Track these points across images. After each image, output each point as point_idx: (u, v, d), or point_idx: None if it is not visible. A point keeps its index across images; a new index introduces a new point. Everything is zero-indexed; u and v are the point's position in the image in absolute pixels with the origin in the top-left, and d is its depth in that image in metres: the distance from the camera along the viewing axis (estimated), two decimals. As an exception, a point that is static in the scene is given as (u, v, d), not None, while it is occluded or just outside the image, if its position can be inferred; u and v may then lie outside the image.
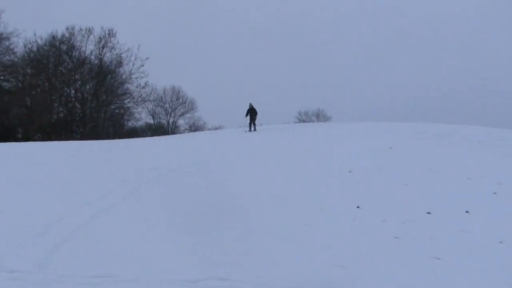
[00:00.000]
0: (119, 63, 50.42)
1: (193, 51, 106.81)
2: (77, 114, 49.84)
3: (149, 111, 64.63)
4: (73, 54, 48.43)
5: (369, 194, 10.26)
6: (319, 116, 76.57)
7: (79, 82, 49.37)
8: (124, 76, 51.29)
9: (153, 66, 63.65)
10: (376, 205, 9.26)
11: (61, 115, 48.64)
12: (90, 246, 6.37)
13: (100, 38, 48.93)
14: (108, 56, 49.93)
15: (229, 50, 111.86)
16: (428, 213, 8.72)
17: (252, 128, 27.61)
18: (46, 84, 46.22)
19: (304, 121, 70.95)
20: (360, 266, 6.06)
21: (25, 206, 8.32)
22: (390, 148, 17.03)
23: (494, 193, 10.44)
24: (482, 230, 7.80)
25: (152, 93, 60.28)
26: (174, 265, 5.85)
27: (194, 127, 67.39)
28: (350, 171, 12.65)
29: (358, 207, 9.10)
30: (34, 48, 45.86)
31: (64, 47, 47.93)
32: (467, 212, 8.83)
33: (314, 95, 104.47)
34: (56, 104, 47.85)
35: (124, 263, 5.83)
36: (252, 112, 27.71)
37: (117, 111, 54.61)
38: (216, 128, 60.76)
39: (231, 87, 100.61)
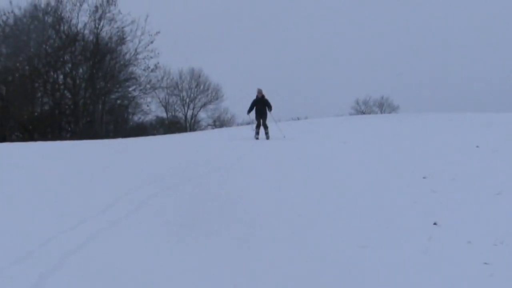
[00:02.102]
0: (121, 40, 51.18)
1: (218, 23, 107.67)
2: (67, 106, 50.69)
3: (160, 102, 65.70)
4: (62, 28, 49.29)
5: (449, 206, 10.25)
6: (383, 106, 76.82)
7: (70, 65, 50.21)
8: (128, 57, 52.13)
9: (165, 43, 63.96)
10: (458, 221, 9.21)
11: (47, 107, 49.56)
12: (84, 277, 6.34)
13: (96, 7, 49.59)
14: (106, 31, 50.73)
15: (266, 22, 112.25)
16: (528, 232, 8.62)
17: (262, 134, 23.05)
18: (27, 67, 47.06)
19: (363, 113, 71.24)
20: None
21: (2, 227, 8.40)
22: (477, 146, 17.05)
23: None
24: None
25: (165, 78, 61.49)
26: None
27: (219, 122, 67.95)
28: (424, 177, 12.74)
29: (435, 223, 9.11)
30: (10, 21, 46.88)
31: (49, 19, 48.76)
32: None
33: (376, 81, 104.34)
34: (39, 94, 48.80)
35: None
36: (261, 105, 23.00)
37: (119, 101, 55.49)
38: (248, 123, 61.20)
39: (269, 70, 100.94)
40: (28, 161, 15.92)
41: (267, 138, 22.61)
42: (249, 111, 23.33)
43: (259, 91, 22.91)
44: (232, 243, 8.10)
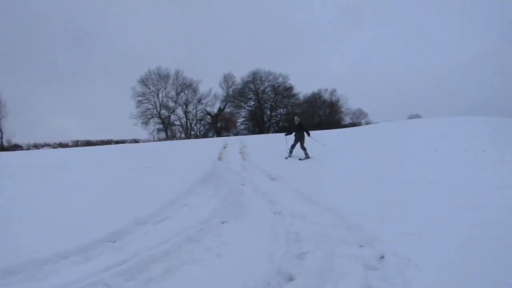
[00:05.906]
0: None
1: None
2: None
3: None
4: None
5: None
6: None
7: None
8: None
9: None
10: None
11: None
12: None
13: None
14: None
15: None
16: None
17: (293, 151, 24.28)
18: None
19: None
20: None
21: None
22: None
23: None
24: None
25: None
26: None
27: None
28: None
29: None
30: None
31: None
32: None
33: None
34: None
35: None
36: (299, 131, 24.21)
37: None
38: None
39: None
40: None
41: (306, 157, 23.00)
42: (287, 134, 25.36)
43: (296, 120, 24.03)
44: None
